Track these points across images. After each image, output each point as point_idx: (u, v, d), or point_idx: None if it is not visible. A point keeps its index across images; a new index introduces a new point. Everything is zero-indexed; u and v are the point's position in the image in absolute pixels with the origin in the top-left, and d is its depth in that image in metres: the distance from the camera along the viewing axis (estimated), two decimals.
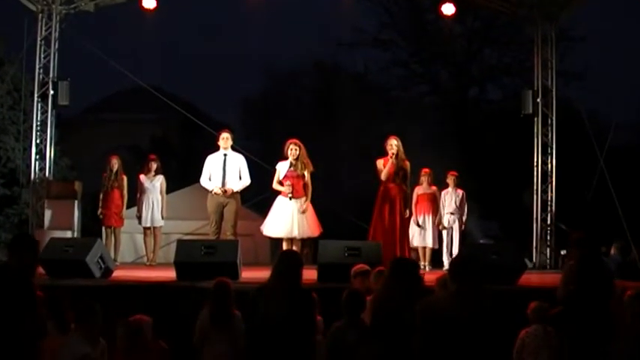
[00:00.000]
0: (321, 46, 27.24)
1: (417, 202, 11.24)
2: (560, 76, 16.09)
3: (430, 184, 11.49)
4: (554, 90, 13.35)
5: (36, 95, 13.03)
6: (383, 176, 9.93)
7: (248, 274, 8.69)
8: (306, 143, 10.01)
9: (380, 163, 10.02)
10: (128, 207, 11.81)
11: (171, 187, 12.27)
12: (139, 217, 11.53)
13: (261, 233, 10.04)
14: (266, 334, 5.16)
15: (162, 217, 11.56)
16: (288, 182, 9.71)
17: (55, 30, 13.00)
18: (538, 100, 13.24)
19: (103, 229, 11.67)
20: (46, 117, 12.98)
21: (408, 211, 10.03)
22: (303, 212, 9.73)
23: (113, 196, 11.48)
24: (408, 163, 10.04)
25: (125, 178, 11.63)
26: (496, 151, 20.54)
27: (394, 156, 9.88)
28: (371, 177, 10.24)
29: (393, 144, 9.95)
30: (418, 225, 11.22)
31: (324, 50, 25.65)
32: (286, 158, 9.86)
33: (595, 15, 18.78)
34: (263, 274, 5.40)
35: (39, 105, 13.01)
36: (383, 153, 10.04)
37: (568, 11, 13.62)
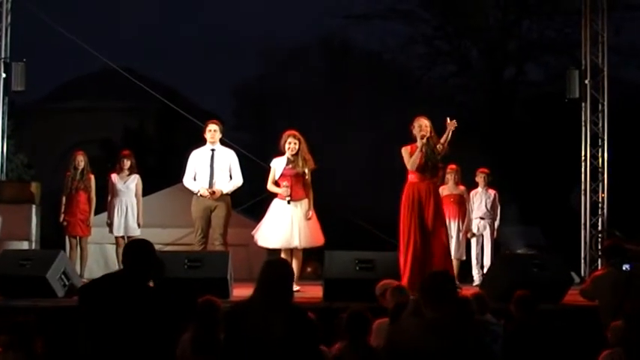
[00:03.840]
0: (327, 19, 27.27)
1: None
2: (614, 53, 16.08)
3: (457, 183, 11.47)
4: (605, 70, 13.32)
5: None
6: (410, 165, 9.63)
7: (241, 292, 8.67)
8: (308, 135, 10.03)
9: (406, 151, 9.72)
10: (97, 213, 11.82)
11: (148, 189, 12.29)
12: (110, 225, 11.55)
13: (256, 243, 10.07)
14: None
15: (139, 225, 11.57)
16: (285, 183, 9.74)
17: (7, 1, 13.02)
18: (586, 81, 13.20)
19: (67, 239, 11.68)
20: None
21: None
22: (309, 219, 9.79)
23: (78, 200, 11.49)
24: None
25: (93, 178, 11.64)
26: (536, 143, 20.53)
27: (425, 140, 9.53)
28: (386, 174, 10.19)
29: (423, 125, 9.59)
30: None
31: (332, 24, 25.69)
32: (283, 153, 9.89)
33: None
34: None
35: None
36: (403, 143, 9.79)
37: None
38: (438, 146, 9.62)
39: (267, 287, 5.05)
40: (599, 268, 11.80)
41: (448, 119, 9.51)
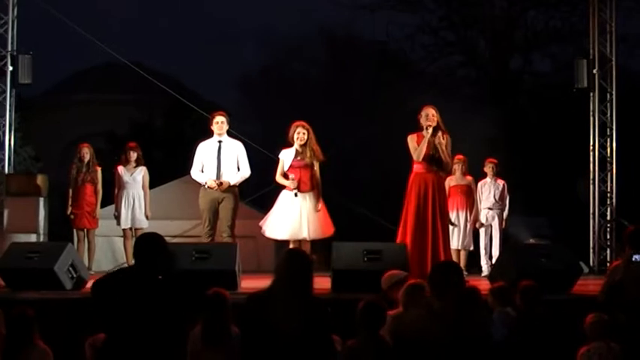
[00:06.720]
0: (332, 10, 27.20)
1: (448, 195, 11.15)
2: (622, 43, 16.00)
3: (465, 174, 11.46)
4: (614, 59, 13.28)
5: None
6: (416, 156, 9.45)
7: (248, 284, 8.70)
8: (315, 126, 9.98)
9: (412, 139, 9.50)
10: (103, 205, 11.85)
11: (155, 181, 12.29)
12: (118, 217, 11.56)
13: (264, 235, 10.05)
14: (270, 354, 5.09)
15: (147, 217, 11.58)
16: (291, 175, 9.70)
17: None
18: (594, 71, 13.17)
19: (75, 231, 11.70)
20: (4, 98, 13.00)
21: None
22: (318, 211, 9.77)
23: (85, 193, 11.50)
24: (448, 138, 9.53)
25: (99, 171, 11.65)
26: (544, 133, 20.46)
27: (430, 130, 9.33)
28: (392, 165, 10.13)
29: (430, 114, 9.39)
30: (450, 223, 11.17)
31: (336, 14, 25.64)
32: (291, 145, 9.86)
33: None
34: (266, 283, 5.31)
35: None
36: (407, 134, 9.62)
37: None
38: (443, 147, 9.42)
39: (288, 278, 5.03)
40: (616, 257, 11.74)
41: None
